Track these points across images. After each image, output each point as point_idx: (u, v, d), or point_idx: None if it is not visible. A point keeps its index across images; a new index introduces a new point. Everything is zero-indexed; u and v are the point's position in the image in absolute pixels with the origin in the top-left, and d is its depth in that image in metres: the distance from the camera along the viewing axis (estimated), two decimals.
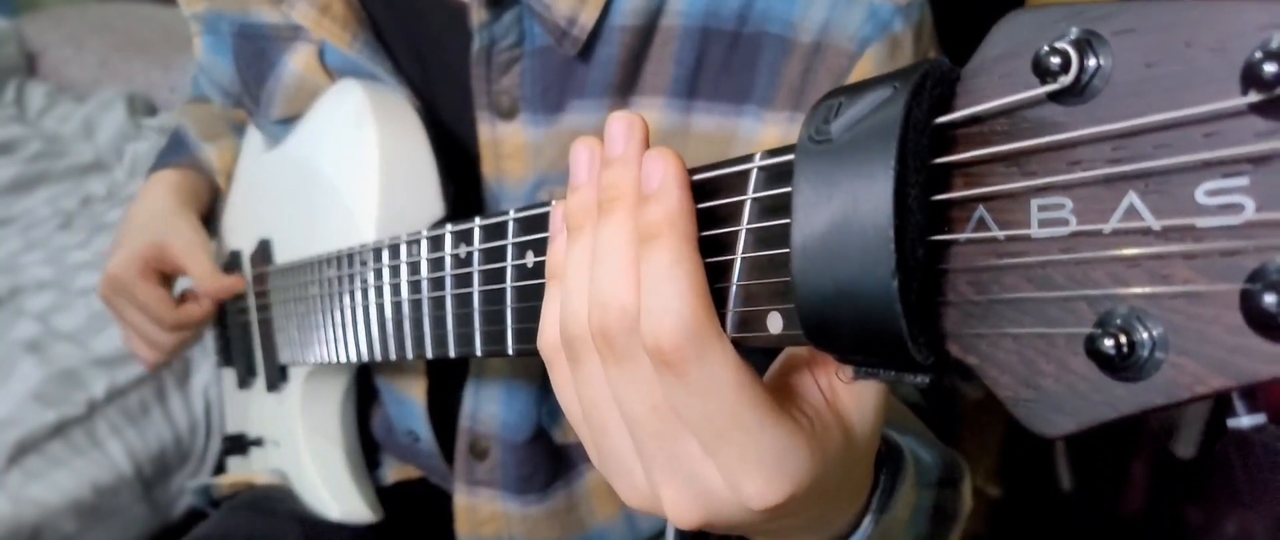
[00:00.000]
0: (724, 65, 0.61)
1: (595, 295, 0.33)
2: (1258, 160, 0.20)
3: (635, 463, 0.35)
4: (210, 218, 0.93)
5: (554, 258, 0.38)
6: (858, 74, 0.58)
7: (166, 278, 0.86)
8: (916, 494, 0.43)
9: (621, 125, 0.35)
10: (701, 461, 0.32)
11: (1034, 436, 0.25)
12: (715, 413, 0.31)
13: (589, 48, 0.61)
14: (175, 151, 0.94)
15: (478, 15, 0.61)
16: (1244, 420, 0.22)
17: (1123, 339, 0.22)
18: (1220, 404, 0.22)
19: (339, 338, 0.65)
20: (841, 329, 0.27)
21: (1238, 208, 0.20)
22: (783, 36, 0.59)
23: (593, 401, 0.36)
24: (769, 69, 0.60)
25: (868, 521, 0.39)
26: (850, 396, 0.34)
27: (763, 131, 0.61)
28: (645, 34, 0.61)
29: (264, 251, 0.80)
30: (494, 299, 0.46)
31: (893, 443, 0.42)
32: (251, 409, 0.91)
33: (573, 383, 0.37)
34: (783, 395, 0.33)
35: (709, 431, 0.31)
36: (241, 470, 0.94)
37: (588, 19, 0.60)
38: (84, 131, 2.01)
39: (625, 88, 0.62)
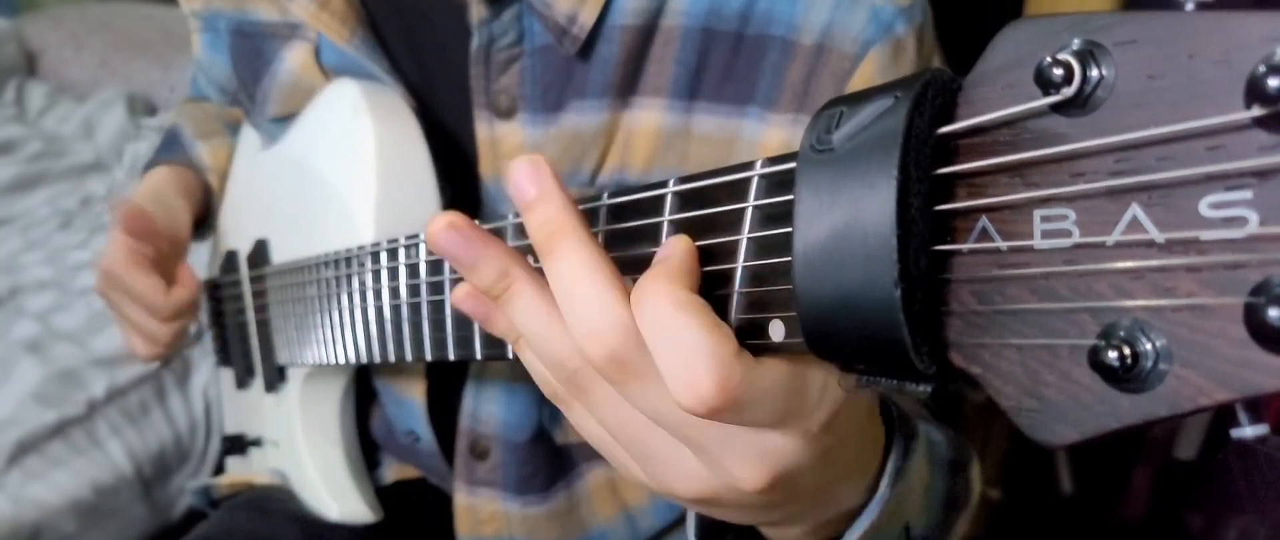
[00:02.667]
0: (726, 66, 0.61)
1: (584, 330, 0.32)
2: (1261, 174, 0.19)
3: (686, 454, 0.35)
4: (204, 215, 0.93)
5: (508, 330, 0.38)
6: (860, 76, 0.58)
7: (158, 267, 0.85)
8: (930, 471, 0.44)
9: (526, 169, 0.34)
10: (758, 434, 0.33)
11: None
12: (773, 407, 0.32)
13: (589, 47, 0.61)
14: (169, 149, 0.94)
15: (477, 13, 0.61)
16: (1247, 430, 0.22)
17: (1126, 351, 0.22)
18: (1222, 409, 0.22)
19: (336, 339, 0.65)
20: (844, 338, 0.27)
21: (1241, 221, 0.20)
22: (785, 38, 0.59)
23: (618, 420, 0.35)
24: (772, 71, 0.60)
25: (884, 485, 0.39)
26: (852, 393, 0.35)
27: (766, 133, 0.61)
28: (646, 33, 0.60)
29: (261, 251, 0.80)
30: None
31: (904, 414, 0.42)
32: (250, 409, 0.91)
33: (590, 415, 0.36)
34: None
35: (768, 421, 0.32)
36: (241, 470, 0.94)
37: (588, 17, 0.60)
38: (84, 131, 2.01)
39: (625, 87, 0.62)
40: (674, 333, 0.30)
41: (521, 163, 0.34)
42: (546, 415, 0.72)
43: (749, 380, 0.30)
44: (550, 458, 0.74)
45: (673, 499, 0.37)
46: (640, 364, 0.32)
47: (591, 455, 0.75)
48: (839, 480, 0.37)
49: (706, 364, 0.29)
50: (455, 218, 0.35)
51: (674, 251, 0.33)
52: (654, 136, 0.63)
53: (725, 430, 0.33)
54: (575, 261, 0.32)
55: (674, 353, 0.30)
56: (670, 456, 0.35)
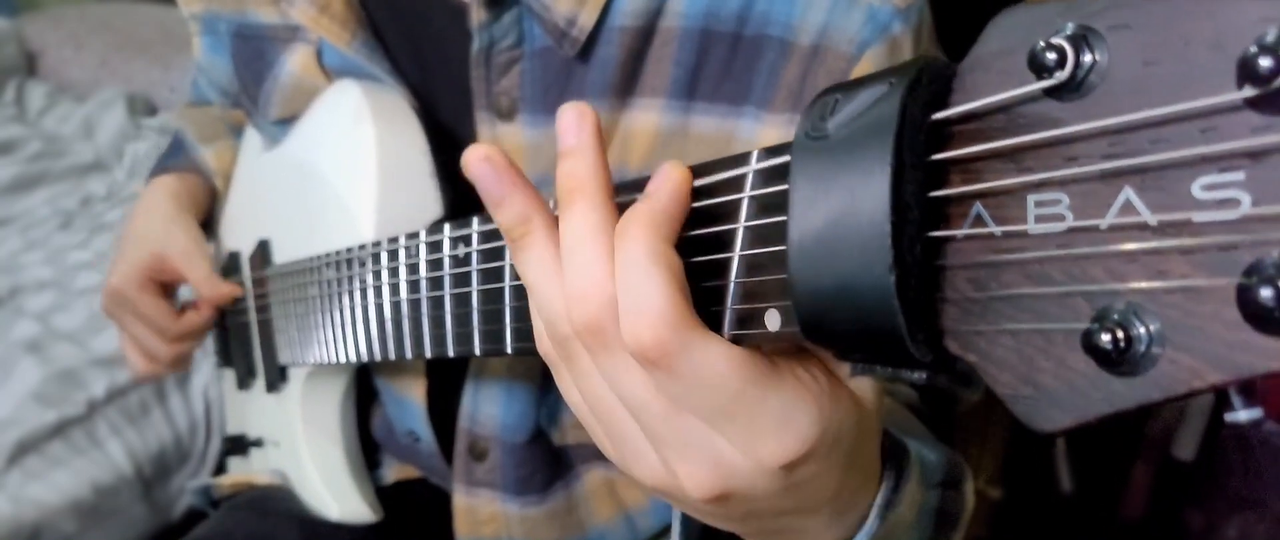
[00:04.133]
0: (724, 67, 0.61)
1: (571, 292, 0.33)
2: (1254, 155, 0.20)
3: (647, 446, 0.35)
4: (209, 221, 0.93)
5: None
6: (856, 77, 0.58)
7: (167, 288, 0.86)
8: (922, 494, 0.43)
9: (572, 116, 0.34)
10: (710, 435, 0.32)
11: (1035, 439, 0.25)
12: (713, 396, 0.31)
13: (588, 49, 0.61)
14: (174, 155, 0.94)
15: (477, 15, 0.61)
16: (1241, 415, 0.22)
17: (1120, 334, 0.22)
18: (1220, 405, 0.22)
19: (338, 338, 0.65)
20: (839, 326, 0.27)
21: (1234, 202, 0.20)
22: (782, 39, 0.59)
23: (595, 396, 0.35)
24: (768, 71, 0.60)
25: (873, 517, 0.39)
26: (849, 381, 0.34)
27: (762, 133, 0.61)
28: (645, 35, 0.61)
29: (263, 252, 0.80)
30: (492, 299, 0.46)
31: (898, 441, 0.42)
32: (251, 409, 0.91)
33: (572, 382, 0.37)
34: (783, 359, 0.33)
35: (711, 412, 0.31)
36: (242, 470, 0.94)
37: (587, 20, 0.60)
38: (84, 131, 2.01)
39: (625, 89, 0.62)
40: (638, 281, 0.31)
41: (568, 108, 0.34)
42: (544, 416, 0.72)
43: (687, 351, 0.30)
44: (548, 458, 0.74)
45: (637, 483, 0.37)
46: (614, 338, 0.32)
47: (589, 456, 0.75)
48: (812, 512, 0.37)
49: (651, 317, 0.30)
50: (493, 151, 0.36)
51: (662, 188, 0.33)
52: (652, 136, 0.63)
53: (677, 428, 0.33)
54: (583, 222, 0.33)
55: (630, 296, 0.31)
56: (633, 443, 0.36)
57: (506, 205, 0.36)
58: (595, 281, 0.32)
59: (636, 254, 0.31)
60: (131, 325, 0.84)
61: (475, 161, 0.36)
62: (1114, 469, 1.43)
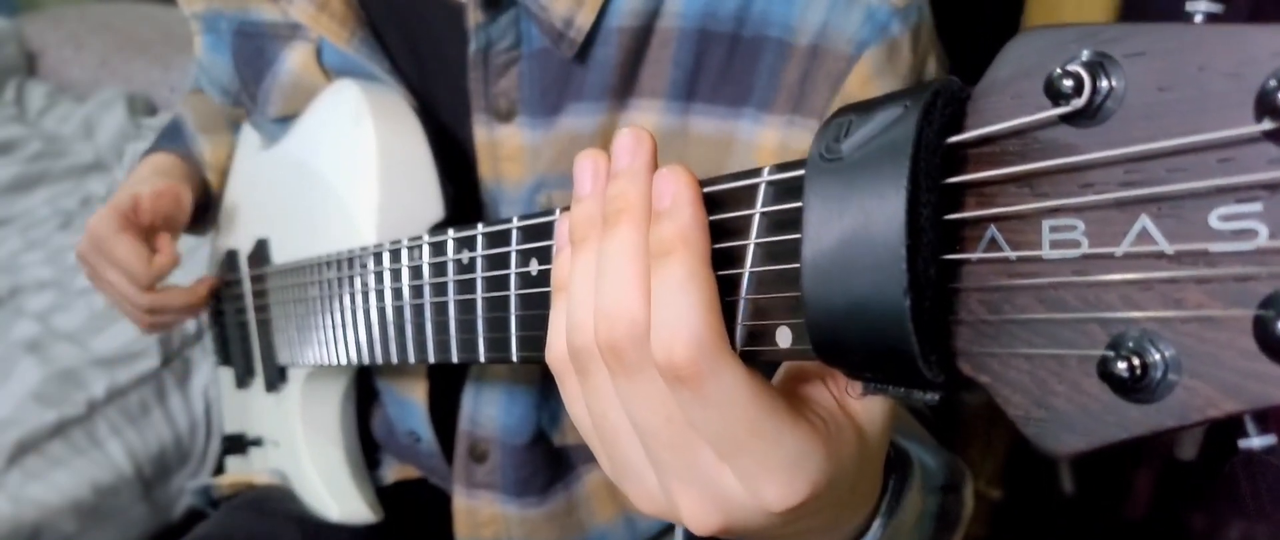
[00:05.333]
0: (722, 68, 0.61)
1: (602, 308, 0.33)
2: (1271, 187, 0.20)
3: (648, 472, 0.35)
4: (199, 210, 0.92)
5: (560, 270, 0.38)
6: (855, 77, 0.58)
7: (146, 237, 0.84)
8: (923, 499, 0.44)
9: (629, 139, 0.35)
10: (718, 468, 0.32)
11: None
12: (732, 424, 0.31)
13: (586, 50, 0.61)
14: (170, 138, 0.94)
15: (474, 16, 0.61)
16: (1255, 441, 0.22)
17: (1135, 361, 0.22)
18: (1230, 420, 0.22)
19: (338, 339, 0.65)
20: (852, 345, 0.27)
21: (1251, 233, 0.20)
22: (781, 39, 0.59)
23: (602, 414, 0.36)
24: (767, 72, 0.60)
25: (877, 526, 0.39)
26: (859, 399, 0.34)
27: (761, 134, 0.61)
28: (643, 36, 0.60)
29: (262, 251, 0.80)
30: (498, 306, 0.46)
31: (900, 448, 0.42)
32: (250, 409, 0.91)
33: (582, 395, 0.37)
34: (796, 399, 0.33)
35: (726, 441, 0.31)
36: (241, 470, 0.94)
37: (584, 20, 0.60)
38: (84, 131, 2.01)
39: (623, 90, 0.62)
40: (675, 300, 0.31)
41: (628, 132, 0.35)
42: (545, 418, 0.72)
43: (717, 373, 0.31)
44: (549, 460, 0.74)
45: (631, 504, 0.37)
46: (636, 363, 0.33)
47: (590, 457, 0.75)
48: (809, 533, 0.37)
49: (686, 336, 0.31)
50: (602, 156, 0.36)
51: (685, 202, 0.33)
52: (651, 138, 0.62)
53: (686, 458, 0.33)
54: (626, 242, 0.33)
55: (665, 313, 0.31)
56: (634, 466, 0.36)
57: (591, 202, 0.36)
58: (625, 304, 0.32)
59: (678, 274, 0.31)
60: (105, 270, 0.82)
61: (587, 152, 0.36)
62: (1116, 470, 1.43)
